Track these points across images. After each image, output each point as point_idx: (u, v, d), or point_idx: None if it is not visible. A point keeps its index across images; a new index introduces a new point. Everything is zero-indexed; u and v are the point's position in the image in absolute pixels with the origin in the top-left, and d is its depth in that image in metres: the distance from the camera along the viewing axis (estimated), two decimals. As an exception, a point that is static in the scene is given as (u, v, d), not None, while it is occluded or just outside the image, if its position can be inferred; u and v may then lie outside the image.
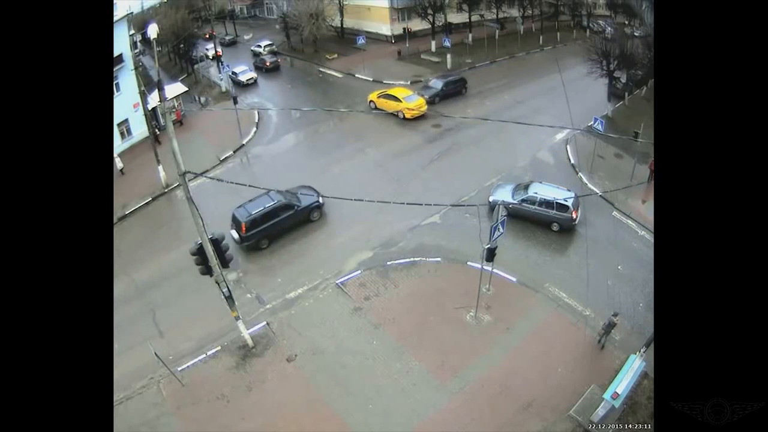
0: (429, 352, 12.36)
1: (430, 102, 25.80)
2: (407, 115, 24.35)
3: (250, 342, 12.81)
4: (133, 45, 30.85)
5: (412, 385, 11.63)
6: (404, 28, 36.34)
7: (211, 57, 34.29)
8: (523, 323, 13.13)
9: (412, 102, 24.56)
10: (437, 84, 27.19)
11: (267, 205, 16.41)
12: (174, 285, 15.19)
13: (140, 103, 23.19)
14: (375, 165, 21.03)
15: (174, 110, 21.50)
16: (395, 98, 25.03)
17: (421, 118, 24.41)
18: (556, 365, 11.90)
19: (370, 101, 26.43)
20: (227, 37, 44.36)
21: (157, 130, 23.86)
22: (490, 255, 12.22)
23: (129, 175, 22.27)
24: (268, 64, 34.52)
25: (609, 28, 37.51)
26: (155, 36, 15.68)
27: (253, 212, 16.19)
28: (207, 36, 40.25)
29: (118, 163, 22.37)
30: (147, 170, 21.59)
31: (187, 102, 29.81)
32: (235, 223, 16.31)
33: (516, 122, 18.75)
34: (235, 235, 16.31)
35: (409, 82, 30.16)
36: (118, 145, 23.85)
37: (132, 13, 27.31)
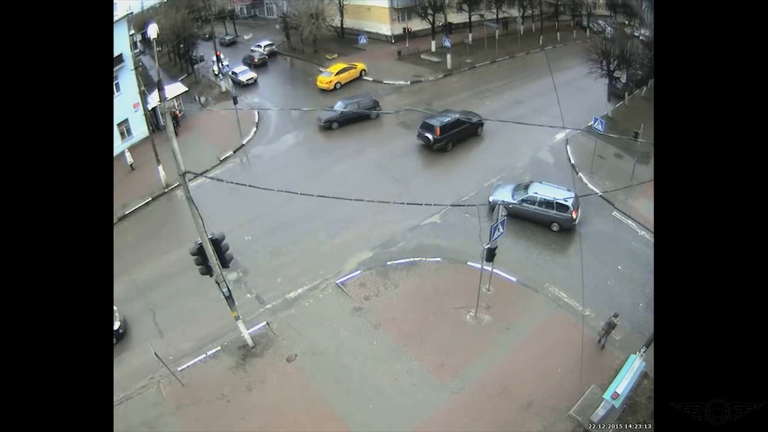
0: (429, 352, 12.36)
1: (326, 127, 24.29)
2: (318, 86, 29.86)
3: (250, 342, 12.81)
4: (133, 45, 30.83)
5: (412, 385, 11.63)
6: (404, 28, 36.29)
7: (216, 72, 34.24)
8: (523, 323, 13.13)
9: (323, 76, 30.10)
10: (339, 106, 24.61)
11: (453, 116, 21.25)
12: (174, 285, 15.19)
13: (140, 103, 23.20)
14: (375, 165, 21.03)
15: (172, 111, 21.49)
16: None
17: (421, 118, 24.36)
18: (556, 365, 11.89)
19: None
20: (227, 37, 44.30)
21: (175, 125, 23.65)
22: (490, 255, 12.22)
23: (132, 174, 22.28)
24: (255, 60, 35.26)
25: (609, 28, 37.54)
26: (155, 36, 15.66)
27: (445, 120, 20.77)
28: (207, 37, 40.21)
29: (129, 158, 22.39)
30: (147, 170, 21.59)
31: (187, 102, 29.79)
32: (428, 128, 20.81)
33: (516, 122, 18.75)
34: (429, 136, 20.73)
35: (409, 83, 30.18)
36: (118, 145, 23.84)
37: (132, 13, 27.30)
